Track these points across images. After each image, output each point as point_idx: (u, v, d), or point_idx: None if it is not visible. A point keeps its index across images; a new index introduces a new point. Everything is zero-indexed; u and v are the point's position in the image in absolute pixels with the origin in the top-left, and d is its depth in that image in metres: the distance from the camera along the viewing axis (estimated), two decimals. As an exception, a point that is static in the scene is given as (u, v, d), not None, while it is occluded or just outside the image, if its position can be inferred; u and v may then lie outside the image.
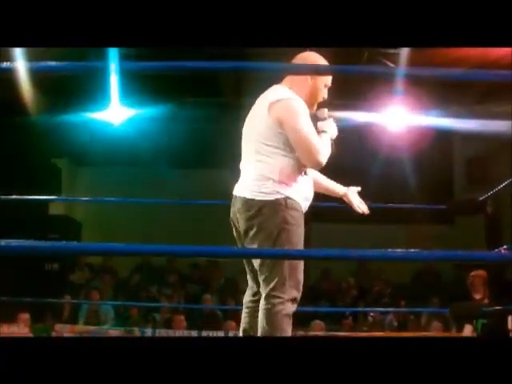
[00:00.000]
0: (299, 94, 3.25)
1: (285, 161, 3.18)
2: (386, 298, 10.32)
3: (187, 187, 10.24)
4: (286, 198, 3.15)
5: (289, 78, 3.31)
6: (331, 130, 3.35)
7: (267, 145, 3.18)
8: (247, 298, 3.36)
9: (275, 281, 3.10)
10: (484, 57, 6.40)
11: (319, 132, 3.30)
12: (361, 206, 3.55)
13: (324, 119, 3.36)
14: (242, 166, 3.32)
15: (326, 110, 3.39)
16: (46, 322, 8.66)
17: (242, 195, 3.21)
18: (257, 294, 3.29)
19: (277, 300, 3.10)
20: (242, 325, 3.34)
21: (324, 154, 3.21)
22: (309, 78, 3.30)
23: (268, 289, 3.12)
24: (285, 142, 3.17)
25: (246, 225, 3.19)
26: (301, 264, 3.19)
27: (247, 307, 3.34)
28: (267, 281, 3.13)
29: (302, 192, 3.24)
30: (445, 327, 8.49)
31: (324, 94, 3.37)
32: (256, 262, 3.18)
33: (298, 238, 3.17)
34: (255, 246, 3.17)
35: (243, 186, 3.24)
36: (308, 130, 3.18)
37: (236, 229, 3.29)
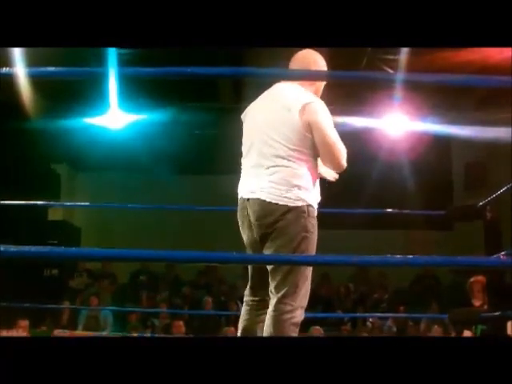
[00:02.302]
0: (309, 91, 3.21)
1: (309, 167, 3.12)
2: (384, 303, 10.29)
3: (187, 192, 10.24)
4: (308, 206, 3.09)
5: None
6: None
7: (292, 149, 3.08)
8: (248, 297, 3.28)
9: (287, 288, 3.05)
10: (484, 61, 6.40)
11: None
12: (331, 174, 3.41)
13: None
14: (252, 167, 3.19)
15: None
16: (45, 327, 8.64)
17: (260, 197, 3.10)
18: (258, 293, 3.21)
19: (287, 307, 3.04)
20: (243, 322, 3.25)
21: (345, 157, 3.18)
22: None
23: (279, 295, 3.06)
24: (309, 146, 3.10)
25: (264, 228, 3.10)
26: (311, 273, 3.15)
27: (248, 305, 3.26)
28: (279, 287, 3.07)
29: (317, 198, 3.20)
30: (444, 332, 8.47)
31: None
32: (269, 266, 3.11)
33: (313, 245, 3.12)
34: (272, 250, 3.09)
35: (258, 188, 3.12)
36: (335, 134, 3.14)
37: (247, 231, 3.20)
